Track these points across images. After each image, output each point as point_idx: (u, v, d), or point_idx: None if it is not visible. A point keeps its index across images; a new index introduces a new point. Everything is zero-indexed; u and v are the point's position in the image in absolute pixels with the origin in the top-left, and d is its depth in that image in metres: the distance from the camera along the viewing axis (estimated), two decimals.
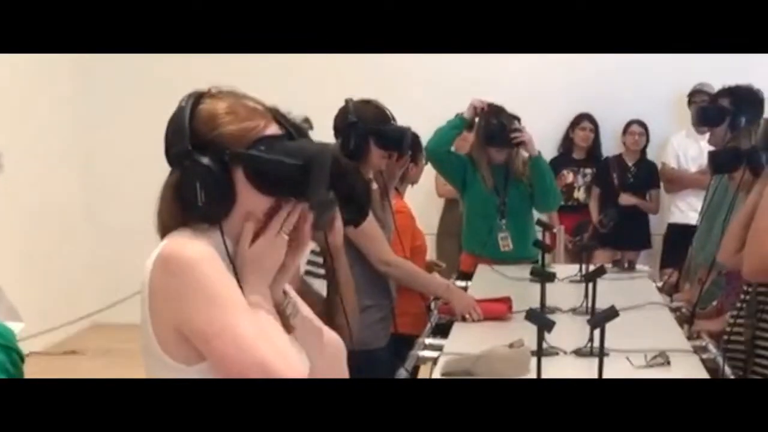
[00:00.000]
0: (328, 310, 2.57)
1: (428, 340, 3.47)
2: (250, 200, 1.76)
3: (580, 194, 7.07)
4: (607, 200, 6.91)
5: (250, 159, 1.74)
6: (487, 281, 4.42)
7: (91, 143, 7.69)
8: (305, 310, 1.95)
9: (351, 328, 2.49)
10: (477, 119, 4.83)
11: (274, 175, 1.74)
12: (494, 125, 4.71)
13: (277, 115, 1.82)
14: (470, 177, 4.90)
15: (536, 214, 5.08)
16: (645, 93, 7.10)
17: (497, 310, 3.65)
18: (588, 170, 7.10)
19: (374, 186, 3.74)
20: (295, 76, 7.12)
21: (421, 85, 7.23)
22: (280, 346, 1.71)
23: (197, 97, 1.80)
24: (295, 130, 1.83)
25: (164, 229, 1.78)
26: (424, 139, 4.71)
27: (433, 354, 3.25)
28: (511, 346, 2.89)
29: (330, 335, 1.99)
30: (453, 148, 5.10)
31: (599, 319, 2.56)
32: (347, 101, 3.60)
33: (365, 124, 3.55)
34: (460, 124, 4.81)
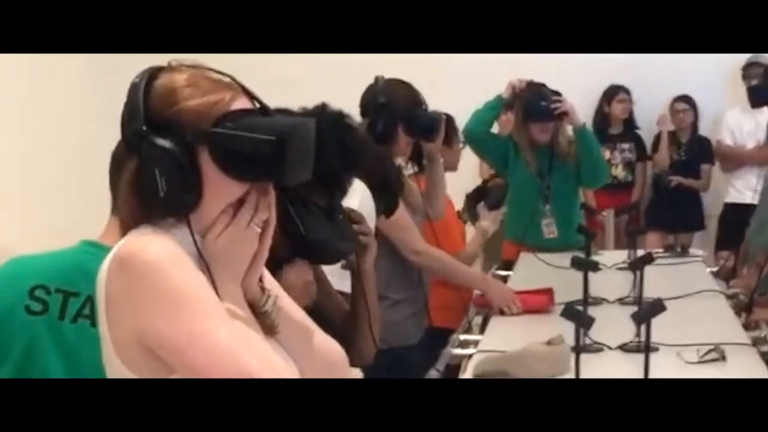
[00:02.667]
0: (351, 324, 2.43)
1: (463, 336, 3.26)
2: (221, 187, 1.50)
3: (618, 171, 6.66)
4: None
5: (216, 137, 1.49)
6: (530, 271, 4.18)
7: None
8: (291, 308, 1.69)
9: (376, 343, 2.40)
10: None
11: (244, 155, 1.47)
12: (533, 98, 4.46)
13: (246, 89, 1.56)
14: (512, 160, 4.66)
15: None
16: (695, 66, 6.73)
17: (538, 303, 3.41)
18: (625, 145, 6.71)
19: (406, 172, 3.54)
20: (321, 76, 6.81)
21: (458, 69, 6.90)
22: (265, 353, 1.48)
23: (153, 72, 1.55)
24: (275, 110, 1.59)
25: (124, 228, 1.54)
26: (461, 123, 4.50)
27: (467, 351, 3.03)
28: (549, 342, 2.66)
29: (325, 344, 1.72)
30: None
31: (644, 314, 2.34)
32: (377, 78, 3.36)
33: (395, 108, 3.32)
34: (498, 104, 4.58)
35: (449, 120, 4.32)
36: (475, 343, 3.12)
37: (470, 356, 2.96)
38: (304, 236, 2.01)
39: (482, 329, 3.45)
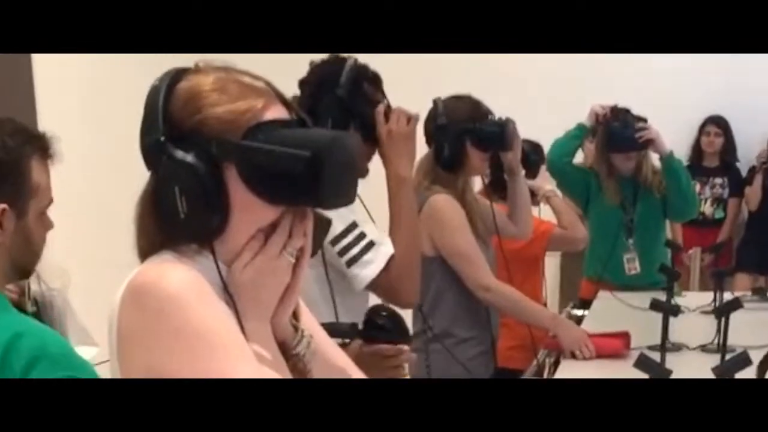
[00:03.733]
0: None
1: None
2: (250, 210, 1.32)
3: (706, 207, 6.33)
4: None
5: (245, 152, 1.30)
6: (607, 311, 3.95)
7: None
8: (329, 350, 1.50)
9: None
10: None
11: (276, 173, 1.29)
12: (616, 127, 4.19)
13: (282, 96, 1.38)
14: (594, 192, 4.41)
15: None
16: None
17: (612, 347, 3.17)
18: (717, 180, 6.37)
19: (477, 196, 3.34)
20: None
21: (535, 88, 6.61)
22: None
23: (176, 74, 1.36)
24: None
25: (143, 255, 1.37)
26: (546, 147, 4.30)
27: None
28: None
29: None
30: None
31: (727, 367, 2.11)
32: (435, 101, 3.15)
33: (458, 124, 3.12)
34: (579, 134, 4.34)
35: (536, 147, 4.10)
36: None
37: None
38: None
39: (554, 369, 3.25)
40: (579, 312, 4.04)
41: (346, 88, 2.38)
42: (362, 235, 2.34)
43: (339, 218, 2.29)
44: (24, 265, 1.86)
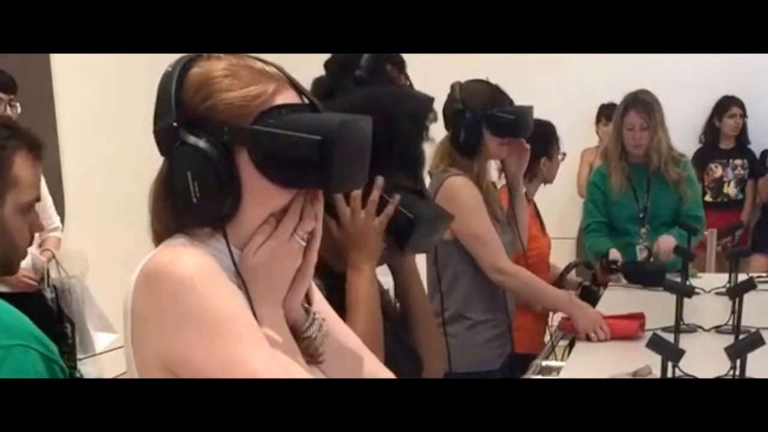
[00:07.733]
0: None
1: (545, 362, 3.07)
2: (261, 194, 1.34)
3: (730, 189, 6.34)
4: None
5: (256, 136, 1.31)
6: (622, 294, 3.96)
7: None
8: (342, 334, 1.51)
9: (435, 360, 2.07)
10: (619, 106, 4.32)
11: (286, 157, 1.30)
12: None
13: (293, 81, 1.39)
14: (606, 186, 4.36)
15: None
16: None
17: (627, 329, 3.17)
18: (738, 161, 6.36)
19: (493, 180, 3.34)
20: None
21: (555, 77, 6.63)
22: None
23: (188, 60, 1.38)
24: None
25: (157, 239, 1.39)
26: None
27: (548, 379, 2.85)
28: (635, 374, 2.47)
29: (378, 375, 1.53)
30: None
31: (740, 347, 2.12)
32: (453, 85, 3.13)
33: (475, 109, 3.09)
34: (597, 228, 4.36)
35: (549, 128, 4.09)
36: (558, 370, 2.94)
37: None
38: (414, 223, 1.83)
39: (568, 353, 3.26)
40: (592, 287, 4.05)
41: (366, 70, 2.38)
42: None
43: None
44: (3, 259, 1.82)
